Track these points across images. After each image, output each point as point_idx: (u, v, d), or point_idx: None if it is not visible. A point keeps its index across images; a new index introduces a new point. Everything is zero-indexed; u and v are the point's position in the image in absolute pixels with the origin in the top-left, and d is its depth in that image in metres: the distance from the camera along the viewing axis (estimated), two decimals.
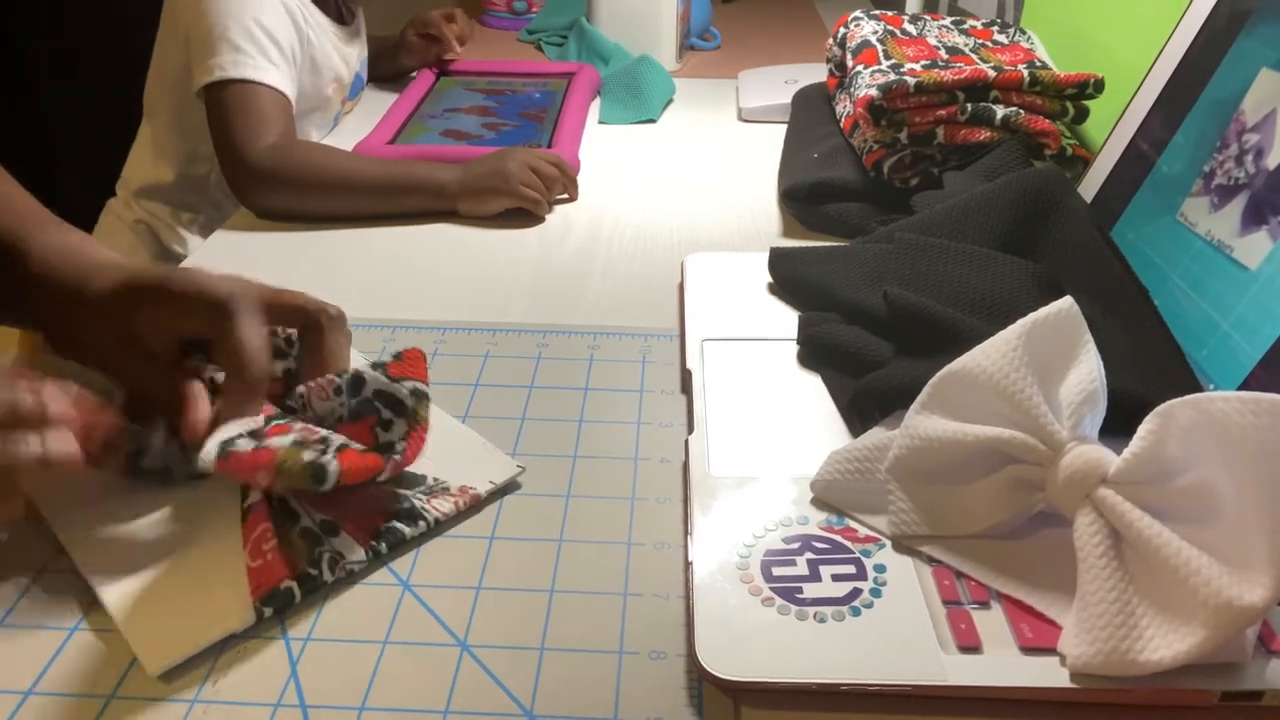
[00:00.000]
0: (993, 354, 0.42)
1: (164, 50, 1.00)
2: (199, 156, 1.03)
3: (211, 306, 0.46)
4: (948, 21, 0.92)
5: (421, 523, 0.46)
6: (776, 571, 0.42)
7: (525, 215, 0.82)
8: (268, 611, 0.42)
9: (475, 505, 0.49)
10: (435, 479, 0.49)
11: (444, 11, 1.18)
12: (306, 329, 0.49)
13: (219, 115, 0.87)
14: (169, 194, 1.06)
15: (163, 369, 0.49)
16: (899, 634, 0.39)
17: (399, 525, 0.46)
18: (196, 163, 1.04)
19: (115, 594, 0.42)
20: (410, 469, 0.49)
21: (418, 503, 0.47)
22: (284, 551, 0.43)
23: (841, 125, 0.86)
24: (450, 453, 0.51)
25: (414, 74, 1.16)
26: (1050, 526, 0.43)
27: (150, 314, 0.48)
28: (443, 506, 0.47)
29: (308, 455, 0.42)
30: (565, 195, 0.86)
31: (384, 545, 0.45)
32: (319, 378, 0.47)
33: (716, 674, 0.38)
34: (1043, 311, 0.43)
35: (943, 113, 0.75)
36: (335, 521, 0.45)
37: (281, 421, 0.46)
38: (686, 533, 0.45)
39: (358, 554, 0.44)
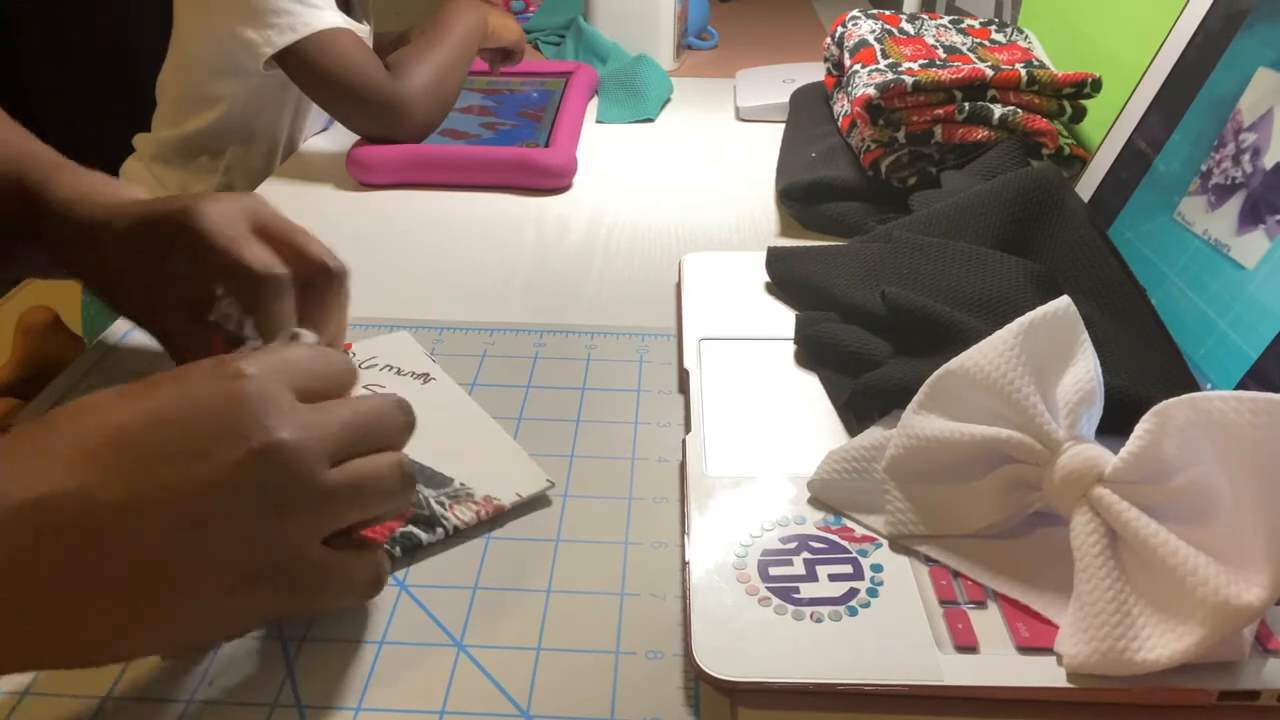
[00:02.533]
0: (990, 353, 0.42)
1: (189, 35, 1.01)
2: (211, 134, 1.03)
3: (246, 276, 0.47)
4: (945, 21, 0.92)
5: (440, 530, 0.46)
6: (773, 571, 0.42)
7: (521, 214, 0.82)
8: None
9: (498, 516, 0.48)
10: (462, 484, 0.48)
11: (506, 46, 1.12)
12: (307, 283, 0.49)
13: (314, 76, 0.89)
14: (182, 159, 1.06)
15: (193, 315, 0.49)
16: (896, 634, 0.39)
17: (416, 530, 0.45)
18: (210, 138, 1.04)
19: None
20: (439, 469, 0.48)
21: (439, 508, 0.46)
22: None
23: (839, 124, 0.86)
24: (483, 456, 0.50)
25: None
26: (1047, 526, 0.43)
27: (178, 259, 0.48)
28: (464, 515, 0.46)
29: None
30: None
31: (398, 549, 0.45)
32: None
33: (713, 674, 0.38)
34: (1040, 311, 0.43)
35: (940, 112, 0.75)
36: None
37: None
38: (683, 532, 0.45)
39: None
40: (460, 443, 0.51)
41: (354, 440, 0.37)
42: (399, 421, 0.39)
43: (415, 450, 0.48)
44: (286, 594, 0.36)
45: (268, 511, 0.34)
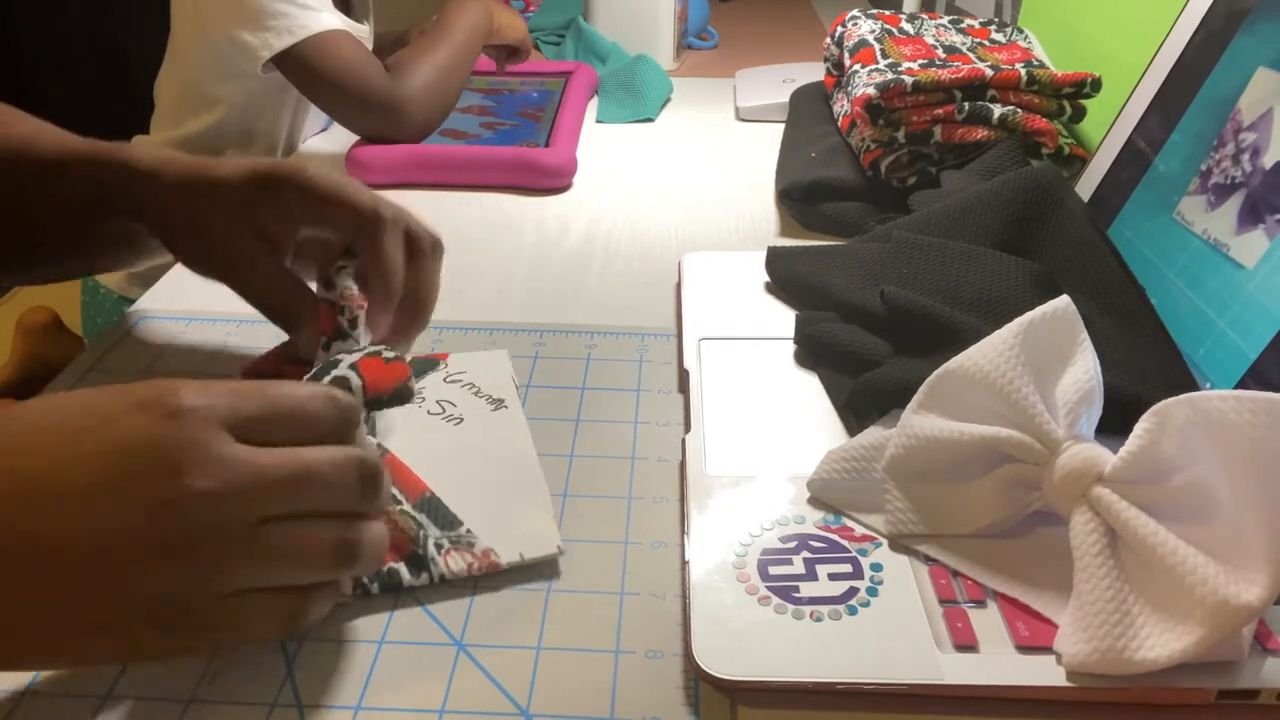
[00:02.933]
0: (989, 353, 0.42)
1: (187, 41, 1.01)
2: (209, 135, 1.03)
3: (355, 214, 0.48)
4: (945, 20, 0.92)
5: (425, 575, 0.44)
6: (773, 570, 0.42)
7: (521, 214, 0.82)
8: None
9: (491, 574, 0.44)
10: (468, 530, 0.45)
11: (507, 45, 1.11)
12: (360, 234, 0.50)
13: (312, 78, 0.89)
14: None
15: (287, 273, 0.50)
16: (895, 633, 0.39)
17: (402, 570, 0.43)
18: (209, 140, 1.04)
19: None
20: (452, 510, 0.46)
21: (433, 550, 0.44)
22: None
23: (839, 124, 0.86)
24: (506, 502, 0.47)
25: None
26: (1047, 525, 0.43)
27: (280, 205, 0.49)
28: (455, 564, 0.44)
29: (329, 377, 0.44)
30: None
31: (376, 587, 0.43)
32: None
33: (713, 673, 0.38)
34: (1039, 310, 0.43)
35: (940, 112, 0.75)
36: None
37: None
38: (683, 532, 0.45)
39: (345, 586, 0.41)
40: (491, 481, 0.49)
41: (295, 498, 0.34)
42: (352, 487, 0.35)
43: (442, 479, 0.47)
44: (185, 634, 0.34)
45: (169, 561, 0.32)
